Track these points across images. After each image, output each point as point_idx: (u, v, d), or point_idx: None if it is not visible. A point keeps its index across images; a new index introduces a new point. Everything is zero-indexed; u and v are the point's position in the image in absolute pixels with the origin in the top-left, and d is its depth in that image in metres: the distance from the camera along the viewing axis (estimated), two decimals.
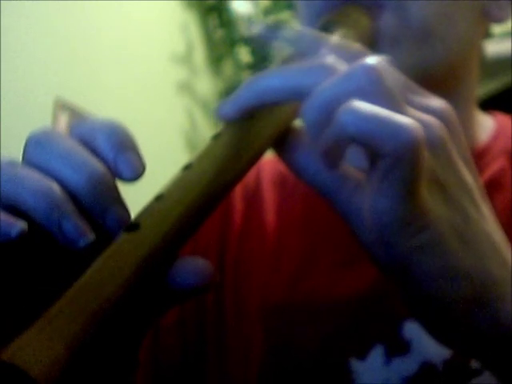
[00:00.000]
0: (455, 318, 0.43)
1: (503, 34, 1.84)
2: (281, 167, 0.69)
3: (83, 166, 0.40)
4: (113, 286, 0.37)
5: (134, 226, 0.39)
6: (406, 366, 0.61)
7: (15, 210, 0.39)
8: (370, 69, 0.41)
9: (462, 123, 0.70)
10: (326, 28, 0.56)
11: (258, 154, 0.44)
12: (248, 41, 2.44)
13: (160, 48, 2.28)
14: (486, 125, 0.72)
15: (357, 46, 0.46)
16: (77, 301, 0.36)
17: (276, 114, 0.45)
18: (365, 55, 0.43)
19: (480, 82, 0.71)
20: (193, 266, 0.40)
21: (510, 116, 0.75)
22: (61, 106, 1.73)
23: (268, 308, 0.67)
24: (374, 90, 0.41)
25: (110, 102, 1.90)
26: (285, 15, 2.43)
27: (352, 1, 0.60)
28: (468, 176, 0.44)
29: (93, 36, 1.96)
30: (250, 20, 2.52)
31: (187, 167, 0.42)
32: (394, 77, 0.42)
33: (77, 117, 1.74)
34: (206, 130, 2.39)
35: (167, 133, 2.23)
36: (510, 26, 0.85)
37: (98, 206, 0.40)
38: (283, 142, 0.44)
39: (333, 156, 0.42)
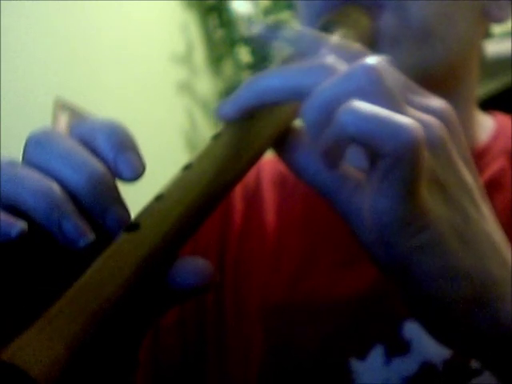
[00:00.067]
0: (455, 317, 0.43)
1: (503, 34, 1.84)
2: (281, 167, 0.69)
3: (83, 165, 0.40)
4: (113, 286, 0.37)
5: (134, 226, 0.39)
6: (406, 366, 0.61)
7: (15, 210, 0.39)
8: (370, 69, 0.41)
9: (462, 123, 0.70)
10: (326, 28, 0.56)
11: (258, 154, 0.44)
12: (248, 41, 2.44)
13: (160, 48, 2.28)
14: (486, 125, 0.72)
15: (357, 46, 0.46)
16: (77, 301, 0.36)
17: (276, 114, 0.45)
18: (365, 55, 0.43)
19: (480, 82, 0.71)
20: (193, 265, 0.40)
21: (510, 116, 0.75)
22: (61, 105, 1.73)
23: (268, 308, 0.67)
24: (374, 89, 0.40)
25: (110, 102, 1.90)
26: (285, 15, 2.43)
27: (352, 1, 0.60)
28: (468, 176, 0.44)
29: (93, 36, 1.96)
30: (250, 20, 2.52)
31: (187, 167, 0.42)
32: (393, 77, 0.42)
33: (77, 117, 1.74)
34: (206, 130, 2.39)
35: (167, 133, 2.23)
36: (509, 25, 0.85)
37: (98, 205, 0.40)
38: (283, 142, 0.44)
39: (333, 156, 0.42)
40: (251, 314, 0.67)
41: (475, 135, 0.70)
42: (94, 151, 0.41)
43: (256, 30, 2.51)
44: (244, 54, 2.54)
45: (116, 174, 0.41)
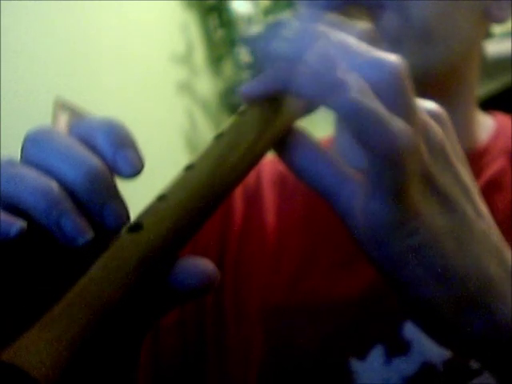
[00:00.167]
0: (447, 318, 0.43)
1: (503, 34, 1.84)
2: (281, 167, 0.69)
3: (80, 162, 0.40)
4: (114, 287, 0.37)
5: (136, 227, 0.39)
6: (406, 366, 0.61)
7: (16, 209, 0.39)
8: (397, 69, 0.41)
9: (463, 123, 0.70)
10: None
11: (260, 155, 0.44)
12: (247, 42, 2.44)
13: (160, 48, 2.28)
14: (486, 125, 0.72)
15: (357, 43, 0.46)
16: (78, 301, 0.36)
17: (278, 117, 0.44)
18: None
19: (480, 82, 0.71)
20: (194, 266, 0.40)
21: (510, 116, 0.75)
22: (61, 105, 1.73)
23: (268, 309, 0.67)
24: (392, 90, 0.41)
25: (110, 102, 1.90)
26: (285, 15, 2.43)
27: (353, 1, 0.60)
28: (466, 176, 0.44)
29: (93, 36, 1.96)
30: (250, 20, 2.52)
31: (189, 167, 0.42)
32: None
33: (77, 117, 1.74)
34: (206, 130, 2.39)
35: (167, 133, 2.23)
36: (510, 26, 0.85)
37: (96, 201, 0.40)
38: (283, 142, 0.44)
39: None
40: (251, 315, 0.67)
41: (475, 135, 0.70)
42: (93, 149, 0.41)
43: (255, 31, 2.52)
44: (244, 54, 2.54)
45: (115, 170, 0.41)
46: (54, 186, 0.39)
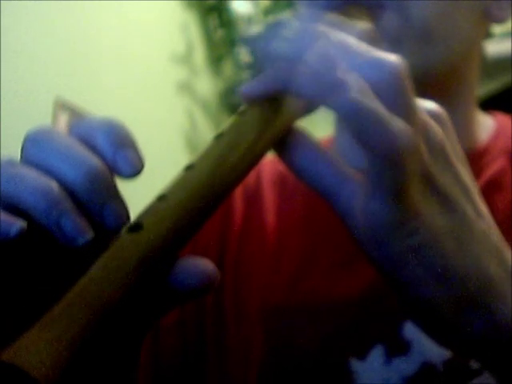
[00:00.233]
0: (447, 319, 0.43)
1: (503, 34, 1.84)
2: (281, 167, 0.69)
3: (80, 161, 0.40)
4: (115, 287, 0.37)
5: (136, 227, 0.39)
6: (406, 366, 0.61)
7: (16, 209, 0.39)
8: (397, 70, 0.41)
9: (463, 123, 0.70)
10: None
11: (260, 155, 0.44)
12: (246, 42, 2.44)
13: (160, 48, 2.28)
14: (486, 125, 0.72)
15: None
16: (78, 301, 0.36)
17: (278, 117, 0.44)
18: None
19: (480, 82, 0.71)
20: (194, 266, 0.40)
21: (510, 116, 0.75)
22: (61, 105, 1.73)
23: (268, 309, 0.67)
24: (392, 90, 0.41)
25: (110, 102, 1.90)
26: (285, 15, 2.43)
27: (353, 1, 0.60)
28: (466, 177, 0.44)
29: (93, 36, 1.96)
30: (250, 20, 2.52)
31: (189, 167, 0.42)
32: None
33: (77, 117, 1.74)
34: (206, 130, 2.39)
35: (167, 133, 2.23)
36: (510, 26, 0.85)
37: (96, 201, 0.40)
38: (283, 142, 0.44)
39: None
40: (251, 315, 0.67)
41: (475, 135, 0.70)
42: (93, 149, 0.41)
43: (255, 31, 2.52)
44: (244, 54, 2.54)
45: (115, 170, 0.41)
46: (54, 185, 0.39)
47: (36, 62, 1.73)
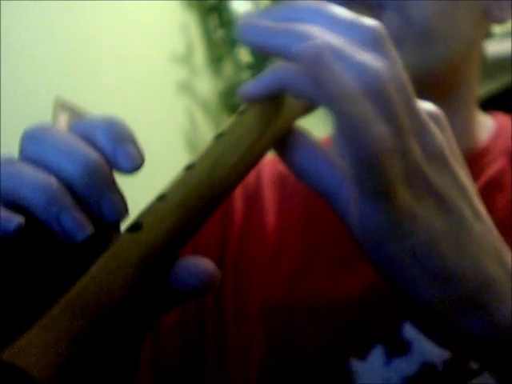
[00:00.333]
0: (445, 320, 0.43)
1: (503, 34, 1.84)
2: (281, 167, 0.69)
3: (77, 155, 0.40)
4: (115, 287, 0.37)
5: (136, 227, 0.39)
6: (406, 366, 0.61)
7: (16, 206, 0.39)
8: (379, 75, 0.41)
9: (463, 123, 0.70)
10: None
11: (260, 155, 0.44)
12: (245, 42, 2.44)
13: (160, 48, 2.28)
14: (487, 125, 0.72)
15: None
16: (78, 301, 0.36)
17: (278, 117, 0.45)
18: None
19: (480, 82, 0.71)
20: (194, 265, 0.40)
21: (510, 116, 0.75)
22: (61, 105, 1.73)
23: (268, 309, 0.67)
24: (376, 94, 0.40)
25: (110, 102, 1.90)
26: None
27: (353, 1, 0.60)
28: (465, 177, 0.44)
29: (93, 36, 1.96)
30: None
31: (189, 167, 0.42)
32: (397, 82, 0.41)
33: (77, 117, 1.74)
34: (206, 130, 2.39)
35: (167, 133, 2.22)
36: (510, 26, 0.85)
37: (94, 194, 0.40)
38: (284, 142, 0.44)
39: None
40: (251, 315, 0.67)
41: (475, 135, 0.70)
42: (94, 145, 0.41)
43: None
44: (244, 54, 2.54)
45: (115, 166, 0.41)
46: (52, 181, 0.39)
47: (36, 62, 1.72)
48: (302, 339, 0.64)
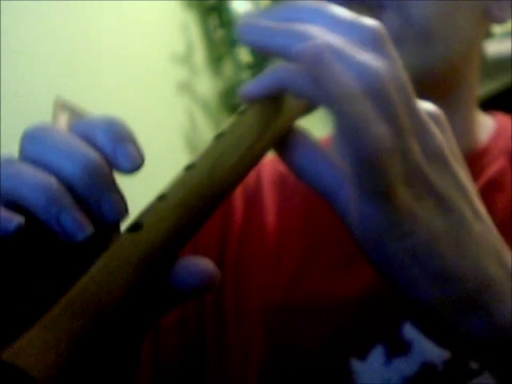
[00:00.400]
0: (445, 320, 0.43)
1: (503, 34, 1.84)
2: (281, 167, 0.69)
3: (77, 154, 0.40)
4: (115, 287, 0.37)
5: (136, 227, 0.39)
6: (406, 366, 0.61)
7: (16, 206, 0.39)
8: (379, 76, 0.41)
9: (463, 123, 0.70)
10: None
11: (260, 155, 0.44)
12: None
13: (160, 48, 2.28)
14: (487, 125, 0.72)
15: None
16: (78, 301, 0.36)
17: (278, 117, 0.45)
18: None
19: (480, 82, 0.71)
20: (194, 265, 0.40)
21: (510, 116, 0.75)
22: (61, 105, 1.73)
23: (268, 309, 0.67)
24: (375, 94, 0.40)
25: (110, 102, 1.90)
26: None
27: (354, 1, 0.60)
28: (465, 177, 0.44)
29: (93, 36, 1.96)
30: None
31: (189, 167, 0.42)
32: (397, 82, 0.41)
33: (77, 117, 1.74)
34: (206, 130, 2.39)
35: (167, 133, 2.22)
36: (510, 26, 0.85)
37: (94, 194, 0.40)
38: (284, 142, 0.44)
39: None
40: (251, 315, 0.67)
41: (475, 135, 0.70)
42: (94, 145, 0.41)
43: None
44: (244, 54, 2.54)
45: (115, 166, 0.41)
46: (52, 181, 0.39)
47: (36, 62, 1.72)
48: (302, 339, 0.64)
